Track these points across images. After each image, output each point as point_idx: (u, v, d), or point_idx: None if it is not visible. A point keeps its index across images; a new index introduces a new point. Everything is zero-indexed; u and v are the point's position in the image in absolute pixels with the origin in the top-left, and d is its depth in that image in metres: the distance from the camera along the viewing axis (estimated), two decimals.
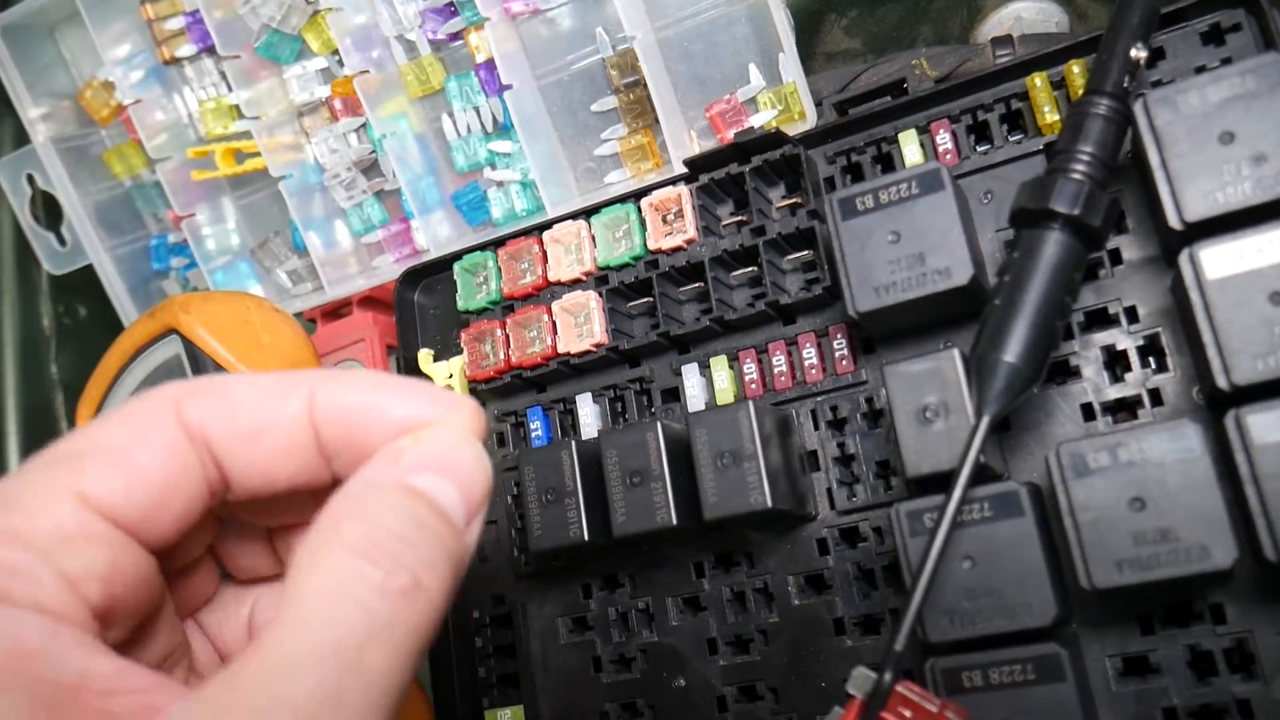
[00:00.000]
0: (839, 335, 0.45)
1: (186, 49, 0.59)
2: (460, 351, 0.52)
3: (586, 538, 0.43)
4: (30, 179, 0.62)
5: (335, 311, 0.61)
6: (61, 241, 0.62)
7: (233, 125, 0.59)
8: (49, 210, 0.64)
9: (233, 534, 0.32)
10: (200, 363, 0.49)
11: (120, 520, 0.26)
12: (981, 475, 0.38)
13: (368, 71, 0.55)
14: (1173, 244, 0.37)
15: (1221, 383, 0.35)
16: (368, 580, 0.24)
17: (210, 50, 0.59)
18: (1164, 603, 0.38)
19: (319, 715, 0.23)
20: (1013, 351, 0.36)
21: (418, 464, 0.27)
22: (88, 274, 0.63)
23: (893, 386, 0.39)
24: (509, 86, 0.53)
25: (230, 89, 0.59)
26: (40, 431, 0.63)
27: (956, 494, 0.35)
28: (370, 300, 0.60)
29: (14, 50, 0.58)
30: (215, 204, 0.62)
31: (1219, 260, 0.35)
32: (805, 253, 0.46)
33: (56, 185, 0.60)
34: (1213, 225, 0.36)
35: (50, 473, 0.26)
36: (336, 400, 0.28)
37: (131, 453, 0.26)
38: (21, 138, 0.66)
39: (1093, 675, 0.39)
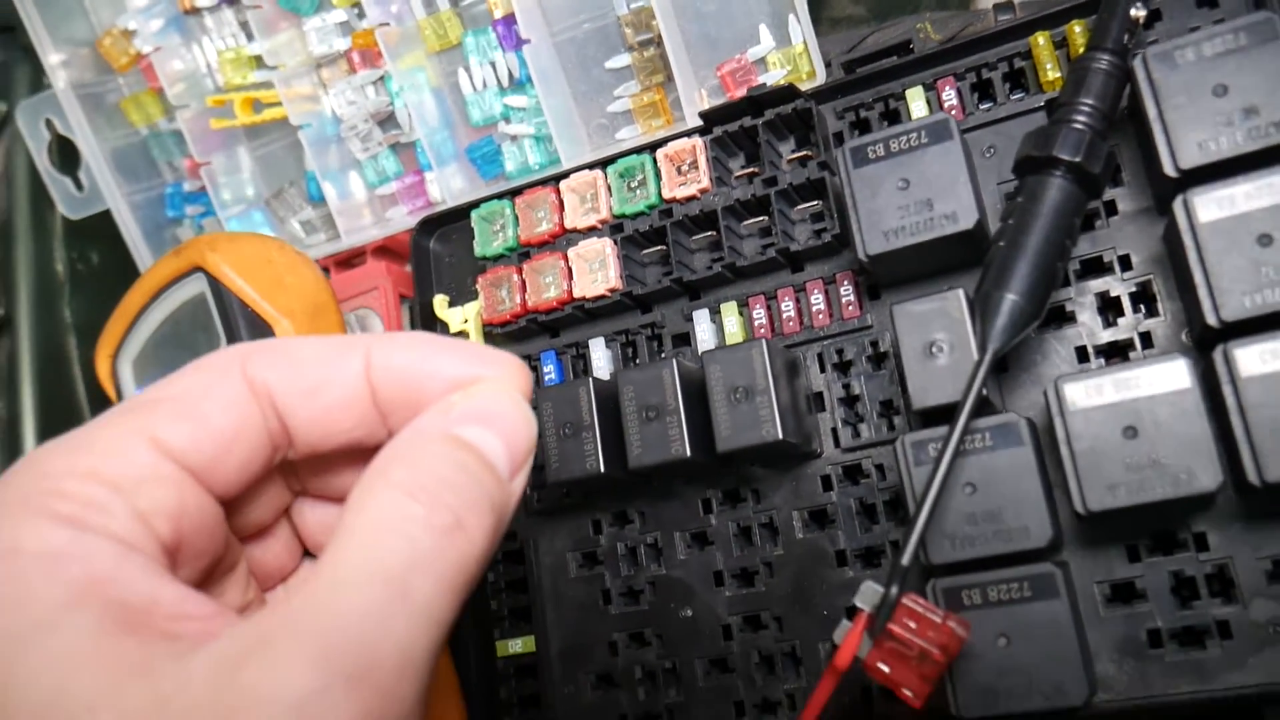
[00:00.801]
0: (845, 282, 0.47)
1: None
2: (475, 297, 0.54)
3: (603, 470, 0.45)
4: (49, 124, 0.63)
5: (349, 261, 0.62)
6: (79, 186, 0.63)
7: (251, 75, 0.61)
8: (64, 156, 0.64)
9: (309, 509, 0.34)
10: (225, 300, 0.50)
11: (188, 464, 0.28)
12: (982, 408, 0.40)
13: (388, 24, 0.57)
14: (1167, 192, 0.39)
15: (1211, 320, 0.37)
16: (412, 516, 0.26)
17: (230, 1, 0.60)
18: (1151, 529, 0.40)
19: (367, 634, 0.24)
20: (1016, 289, 0.38)
21: (465, 416, 0.29)
22: (101, 220, 0.64)
23: (900, 324, 0.41)
24: (527, 41, 0.55)
25: (250, 39, 0.61)
26: (54, 373, 0.64)
27: (962, 420, 0.37)
28: (383, 250, 0.61)
29: None
30: (231, 153, 0.63)
31: (1211, 205, 0.37)
32: (815, 203, 0.48)
33: (76, 130, 0.61)
34: (1205, 173, 0.38)
35: (125, 419, 0.28)
36: (391, 359, 0.30)
37: (200, 403, 0.28)
38: (37, 84, 0.67)
39: (1082, 601, 0.41)
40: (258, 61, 0.61)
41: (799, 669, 0.46)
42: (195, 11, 0.61)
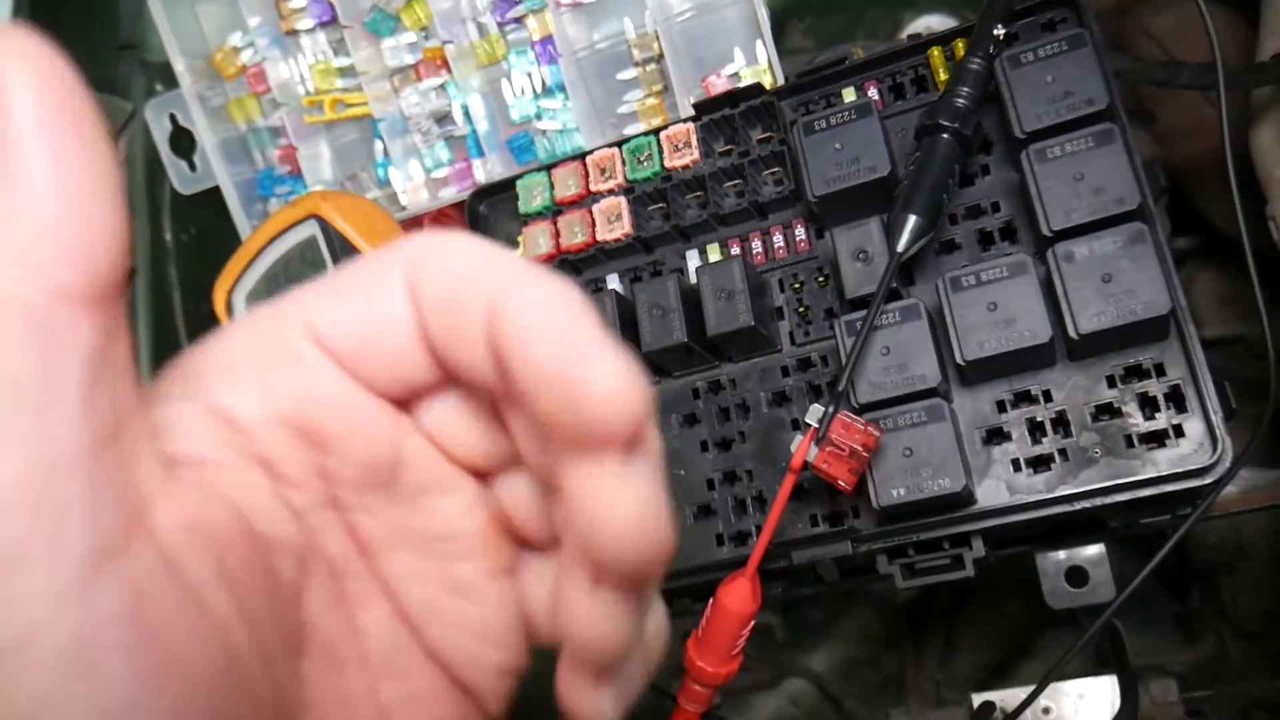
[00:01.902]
0: (799, 225, 0.65)
1: (305, 23, 0.77)
2: (516, 247, 0.71)
3: None
4: (172, 118, 0.79)
5: (408, 229, 0.78)
6: (192, 168, 0.79)
7: (337, 82, 0.78)
8: (174, 145, 0.81)
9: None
10: (333, 239, 0.66)
11: (336, 349, 0.27)
12: (894, 296, 0.57)
13: (450, 42, 0.74)
14: (1017, 148, 0.57)
15: (1045, 230, 0.55)
16: None
17: (322, 25, 0.78)
18: (1012, 383, 0.57)
19: None
20: (915, 210, 0.55)
21: None
22: (200, 198, 0.80)
23: (838, 241, 0.58)
24: (559, 57, 0.73)
25: (336, 55, 0.78)
26: (164, 320, 0.80)
27: (878, 300, 0.54)
28: (436, 220, 0.78)
29: (170, 17, 0.76)
30: (315, 144, 0.80)
31: (1044, 153, 0.55)
32: (776, 169, 0.65)
33: (196, 122, 0.77)
34: (1040, 134, 0.56)
35: (280, 305, 0.28)
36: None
37: (352, 289, 0.28)
38: (151, 90, 0.84)
39: (967, 441, 0.57)
40: (341, 72, 0.78)
41: (764, 507, 0.62)
42: (294, 33, 0.78)
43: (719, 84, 0.72)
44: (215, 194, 0.80)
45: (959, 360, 0.55)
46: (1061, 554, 0.62)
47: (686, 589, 0.64)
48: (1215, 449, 0.53)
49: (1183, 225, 1.12)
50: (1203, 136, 0.98)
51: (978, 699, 0.69)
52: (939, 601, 0.90)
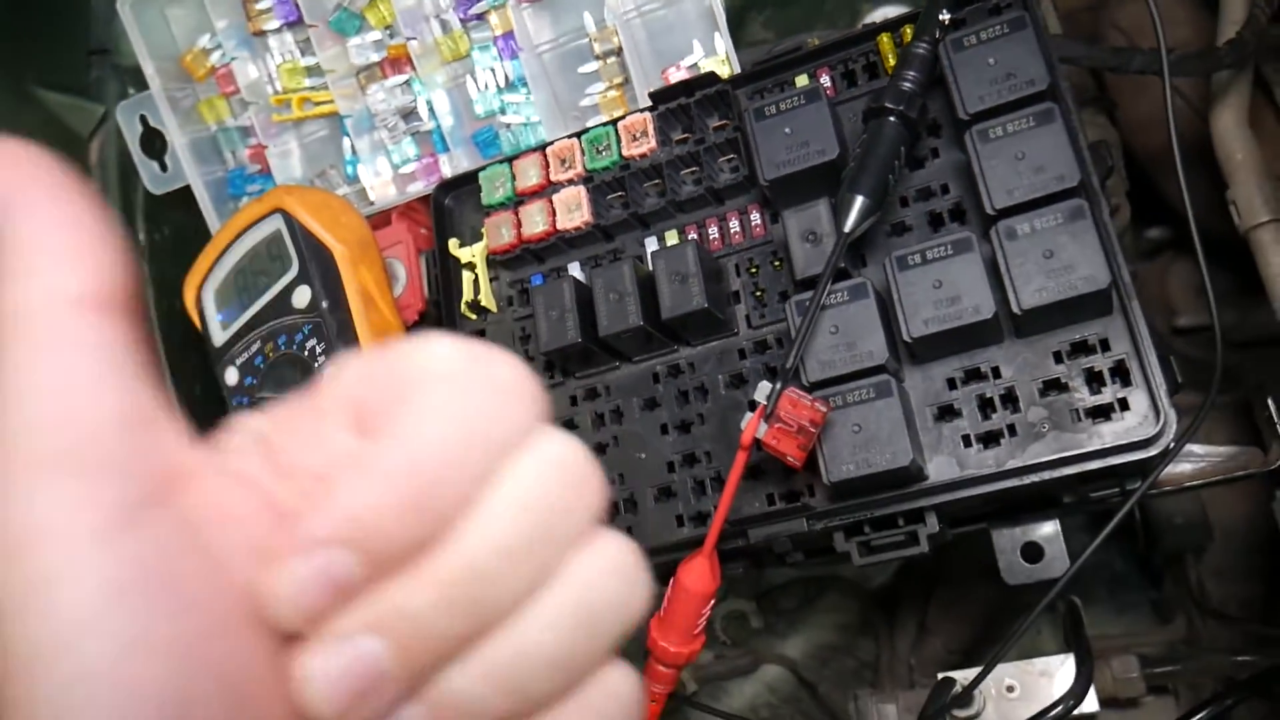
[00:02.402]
0: (754, 211, 0.66)
1: (272, 23, 0.78)
2: (481, 239, 0.72)
3: (580, 339, 0.62)
4: (143, 119, 0.80)
5: (377, 225, 0.80)
6: (163, 168, 0.81)
7: (304, 81, 0.79)
8: (145, 147, 0.82)
9: None
10: (297, 233, 0.67)
11: None
12: (843, 275, 0.58)
13: (415, 39, 0.75)
14: (962, 130, 0.58)
15: (988, 209, 0.56)
16: None
17: (289, 24, 0.79)
18: (962, 360, 0.58)
19: None
20: (862, 191, 0.57)
21: None
22: (173, 199, 0.81)
23: (789, 224, 0.59)
24: (522, 50, 0.74)
25: (303, 54, 0.79)
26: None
27: (826, 277, 0.55)
28: (404, 214, 0.79)
29: (139, 21, 0.77)
30: (284, 142, 0.81)
31: (987, 134, 0.56)
32: (732, 156, 0.66)
33: (166, 123, 0.79)
34: (983, 115, 0.57)
35: None
36: None
37: None
38: (124, 93, 0.85)
39: (919, 418, 0.58)
40: (308, 71, 0.79)
41: (723, 488, 0.63)
42: (262, 34, 0.79)
43: (678, 76, 0.73)
44: (187, 194, 0.81)
45: (905, 338, 0.56)
46: (1017, 530, 0.63)
47: (651, 569, 0.65)
48: (1159, 420, 0.54)
49: (1157, 216, 1.13)
50: (1167, 127, 0.99)
51: (941, 676, 0.70)
52: (912, 587, 0.91)
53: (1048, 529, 0.62)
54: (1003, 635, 0.93)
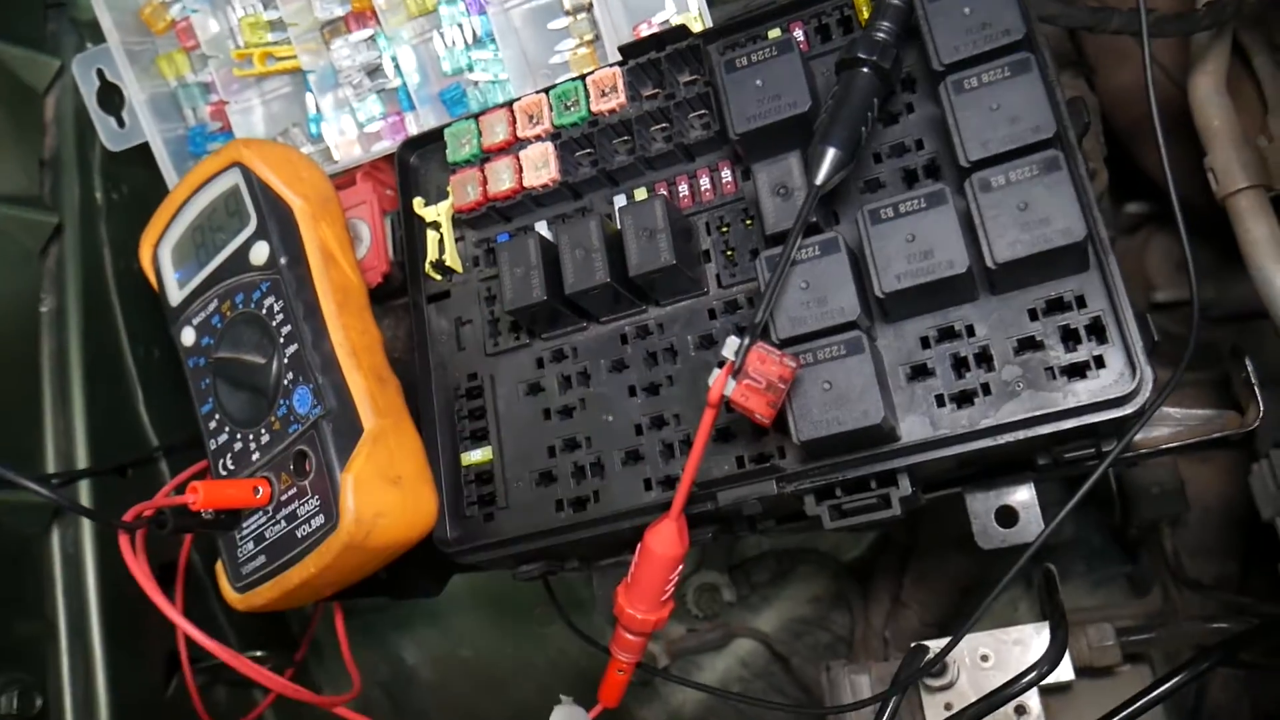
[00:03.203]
0: (725, 168, 0.64)
1: None
2: (447, 198, 0.70)
3: (545, 297, 0.61)
4: (100, 73, 0.78)
5: (341, 186, 0.77)
6: (121, 125, 0.78)
7: (266, 36, 0.77)
8: (103, 102, 0.79)
9: None
10: (255, 188, 0.65)
11: None
12: (814, 230, 0.57)
13: None
14: (936, 82, 0.56)
15: (962, 161, 0.54)
16: None
17: None
18: (933, 316, 0.57)
19: None
20: (833, 142, 0.55)
21: None
22: (132, 155, 0.79)
23: (759, 177, 0.58)
24: (490, 5, 0.72)
25: (265, 7, 0.77)
26: (93, 277, 0.79)
27: (797, 229, 0.54)
28: (369, 174, 0.77)
29: None
30: (246, 99, 0.79)
31: (961, 85, 0.55)
32: (703, 112, 0.65)
33: (123, 76, 0.76)
34: (958, 65, 0.55)
35: None
36: None
37: None
38: (81, 47, 0.82)
39: (891, 378, 0.57)
40: (271, 26, 0.77)
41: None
42: None
43: (650, 33, 0.71)
44: (146, 151, 0.79)
45: (878, 293, 0.54)
46: (991, 494, 0.62)
47: (617, 536, 0.64)
48: (1134, 378, 0.53)
49: (1136, 190, 1.12)
50: (1145, 86, 0.98)
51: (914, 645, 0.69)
52: (886, 559, 0.90)
53: (1023, 493, 0.61)
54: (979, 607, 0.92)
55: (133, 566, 0.56)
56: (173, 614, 0.55)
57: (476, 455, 0.66)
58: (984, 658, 0.70)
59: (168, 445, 0.80)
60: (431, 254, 0.70)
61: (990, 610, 0.85)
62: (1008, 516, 0.61)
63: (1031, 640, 0.70)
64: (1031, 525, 0.61)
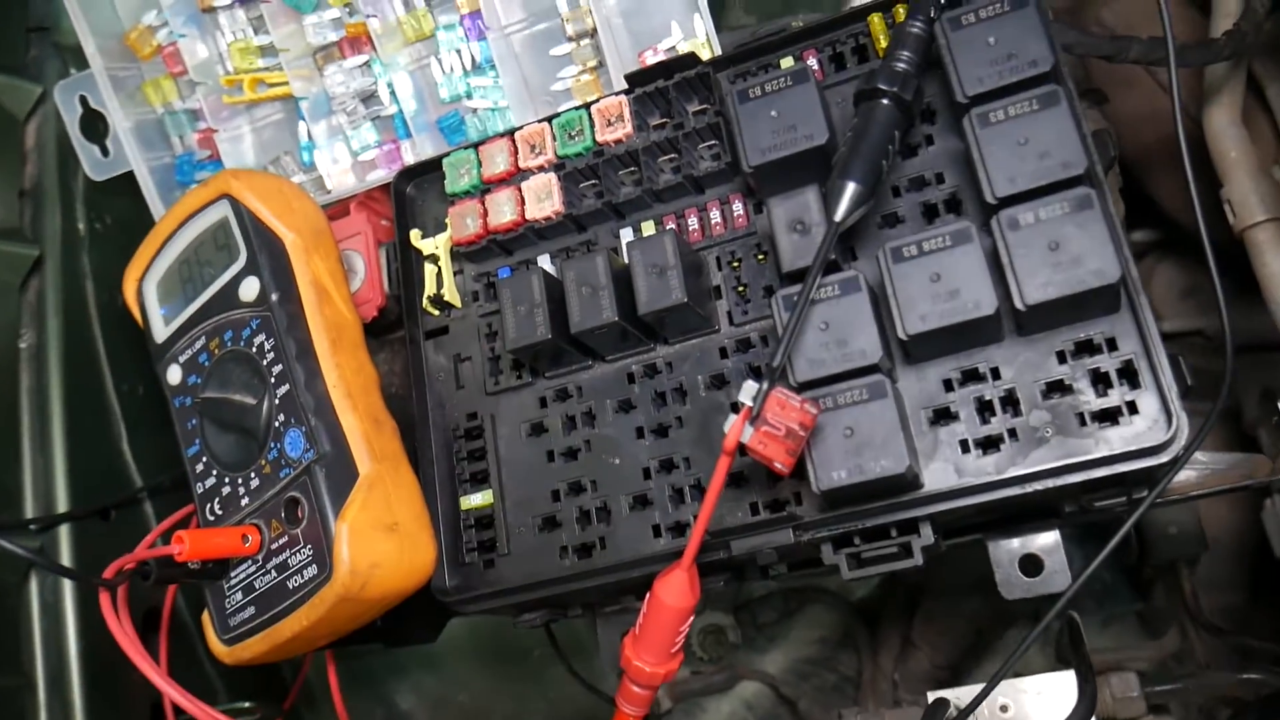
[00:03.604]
0: (736, 200, 0.62)
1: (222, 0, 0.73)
2: (445, 230, 0.67)
3: (550, 336, 0.58)
4: (83, 100, 0.75)
5: (335, 216, 0.75)
6: (105, 153, 0.75)
7: (257, 62, 0.74)
8: (87, 130, 0.77)
9: None
10: (245, 220, 0.62)
11: None
12: (833, 268, 0.54)
13: (375, 17, 0.71)
14: (960, 114, 0.54)
15: (988, 197, 0.52)
16: None
17: (241, 1, 0.74)
18: (958, 360, 0.54)
19: None
20: (853, 177, 0.53)
21: None
22: (116, 185, 0.76)
23: (774, 212, 0.55)
24: (489, 30, 0.69)
25: (256, 33, 0.74)
26: (75, 312, 0.76)
27: (816, 268, 0.51)
28: (364, 204, 0.74)
29: None
30: (235, 127, 0.76)
31: (987, 118, 0.53)
32: (713, 142, 0.62)
33: (107, 104, 0.73)
34: (983, 97, 0.53)
35: None
36: None
37: None
38: (64, 73, 0.80)
39: (913, 423, 0.54)
40: (261, 51, 0.74)
41: (703, 496, 0.59)
42: (212, 10, 0.74)
43: (656, 59, 0.69)
44: (131, 180, 0.76)
45: (901, 335, 0.52)
46: (1015, 542, 0.59)
47: (624, 584, 0.61)
48: (1170, 425, 0.51)
49: (1140, 218, 1.10)
50: (1156, 124, 0.96)
51: (933, 696, 0.66)
52: (896, 599, 0.87)
53: (1047, 540, 0.59)
54: (991, 649, 0.89)
55: (113, 626, 0.53)
56: (155, 676, 0.52)
57: (476, 499, 0.63)
58: (1003, 708, 0.67)
59: (153, 486, 0.77)
60: (429, 288, 0.67)
61: (1004, 653, 0.83)
62: (1032, 565, 0.59)
63: (1052, 690, 0.67)
64: (1057, 574, 0.58)
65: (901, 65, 0.55)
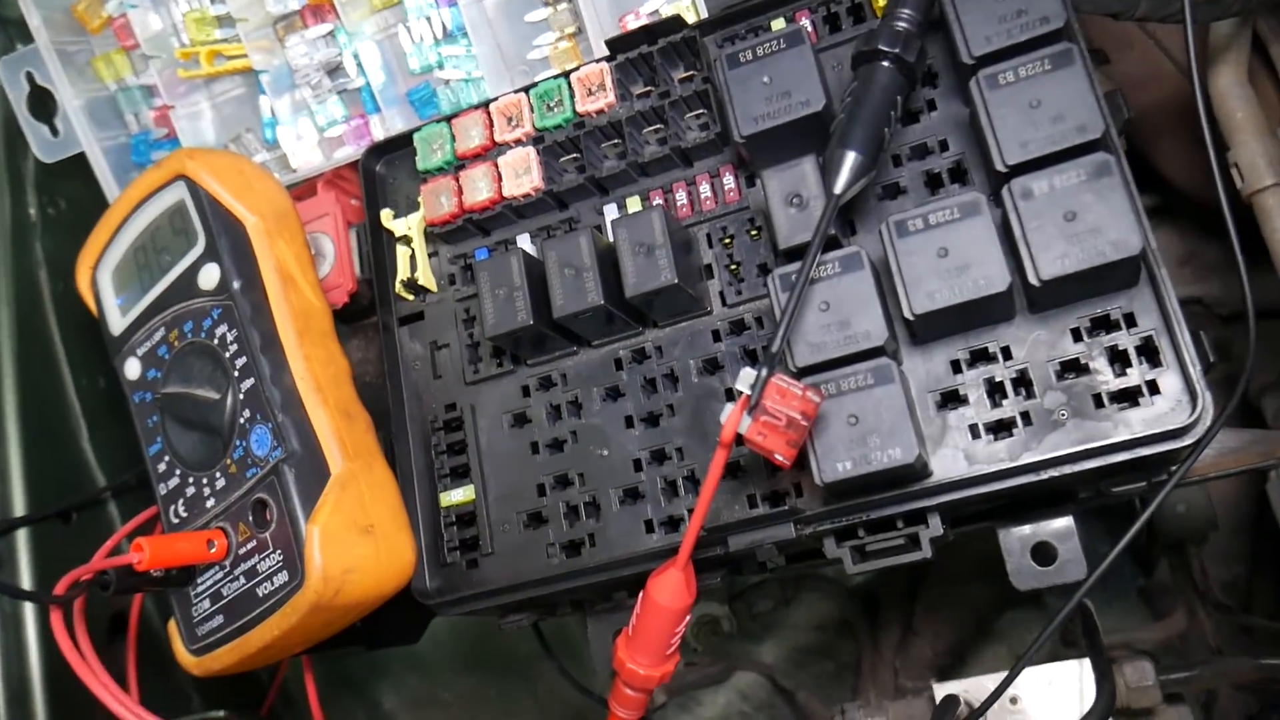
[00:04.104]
0: (727, 173, 0.58)
1: None
2: (417, 209, 0.63)
3: (532, 321, 0.54)
4: (29, 76, 0.70)
5: (302, 196, 0.71)
6: (54, 133, 0.71)
7: (214, 33, 0.70)
8: (35, 108, 0.72)
9: None
10: (203, 202, 0.58)
11: None
12: (833, 244, 0.51)
13: None
14: (966, 76, 0.50)
15: (999, 165, 0.48)
16: None
17: None
18: (968, 339, 0.51)
19: None
20: (854, 146, 0.49)
21: None
22: (68, 167, 0.72)
23: (769, 185, 0.52)
24: None
25: (210, 3, 0.70)
26: (28, 303, 0.71)
27: (815, 244, 0.48)
28: (331, 183, 0.70)
29: None
30: (193, 103, 0.72)
31: (995, 79, 0.49)
32: (700, 111, 0.58)
33: (55, 80, 0.69)
34: (991, 57, 0.50)
35: None
36: None
37: None
38: (9, 48, 0.75)
39: (919, 407, 0.51)
40: (218, 21, 0.70)
41: (697, 488, 0.56)
42: None
43: (638, 24, 0.65)
44: (84, 162, 0.72)
45: (907, 315, 0.48)
46: (1026, 529, 0.56)
47: (615, 583, 0.58)
48: (1195, 406, 0.48)
49: (1138, 182, 1.07)
50: (1158, 85, 0.93)
51: (940, 690, 0.63)
52: (895, 584, 0.85)
53: (1060, 527, 0.56)
54: (994, 633, 0.87)
55: (66, 648, 0.49)
56: (113, 703, 0.48)
57: (457, 495, 0.60)
58: (1013, 700, 0.64)
59: (117, 486, 0.73)
60: (402, 272, 0.63)
61: (1006, 637, 0.80)
62: (1045, 554, 0.56)
63: (1063, 679, 0.65)
64: (1071, 563, 0.55)
65: (902, 25, 0.51)
